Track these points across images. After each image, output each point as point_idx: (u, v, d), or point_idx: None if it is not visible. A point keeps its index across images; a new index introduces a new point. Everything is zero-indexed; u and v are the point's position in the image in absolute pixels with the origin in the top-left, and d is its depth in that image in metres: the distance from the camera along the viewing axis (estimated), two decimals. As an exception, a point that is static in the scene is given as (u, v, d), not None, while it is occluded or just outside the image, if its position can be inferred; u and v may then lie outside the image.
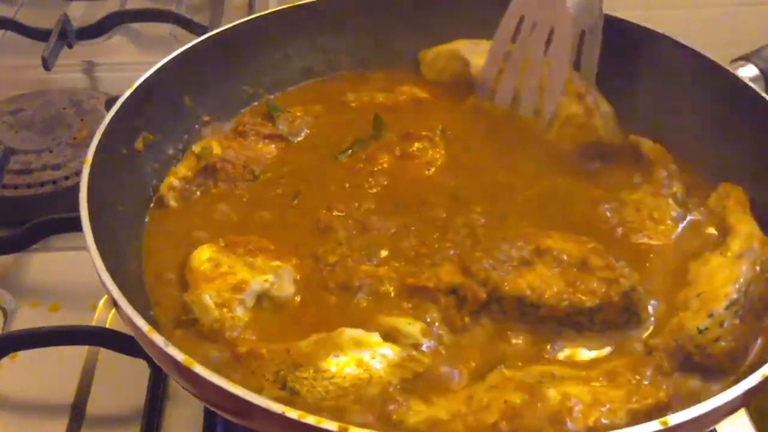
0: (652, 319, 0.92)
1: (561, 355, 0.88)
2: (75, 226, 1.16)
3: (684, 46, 1.15)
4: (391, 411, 0.80)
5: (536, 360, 0.87)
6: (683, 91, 1.15)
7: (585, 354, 0.89)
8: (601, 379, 0.83)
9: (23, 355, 1.04)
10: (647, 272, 0.96)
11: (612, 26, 1.17)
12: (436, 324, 0.90)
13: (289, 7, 1.27)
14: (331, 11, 1.29)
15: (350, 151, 1.16)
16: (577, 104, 1.15)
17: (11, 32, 1.64)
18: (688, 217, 1.04)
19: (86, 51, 1.64)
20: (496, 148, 1.16)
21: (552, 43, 1.12)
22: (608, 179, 1.10)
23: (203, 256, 0.94)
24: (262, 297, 0.92)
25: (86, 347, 1.06)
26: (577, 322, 0.89)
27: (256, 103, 1.26)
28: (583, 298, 0.88)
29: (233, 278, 0.92)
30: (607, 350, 0.89)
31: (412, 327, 0.88)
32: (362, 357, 0.83)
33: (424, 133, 1.15)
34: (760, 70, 1.14)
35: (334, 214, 1.03)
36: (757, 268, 0.92)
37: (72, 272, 1.17)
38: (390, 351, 0.84)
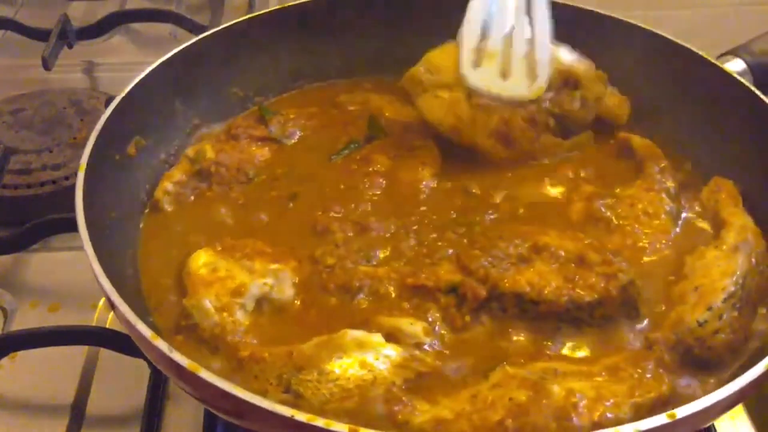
0: (650, 313, 0.92)
1: (562, 351, 0.89)
2: (75, 226, 1.16)
3: (674, 42, 1.16)
4: (396, 411, 0.80)
5: (538, 357, 0.87)
6: (676, 87, 1.16)
7: (586, 349, 0.89)
8: (603, 374, 0.83)
9: (23, 355, 1.04)
10: (644, 267, 0.97)
11: (601, 23, 1.19)
12: (438, 323, 0.90)
13: (277, 9, 1.27)
14: (320, 14, 1.29)
15: (345, 152, 1.16)
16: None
17: (11, 32, 1.64)
18: (683, 213, 1.05)
19: (86, 51, 1.64)
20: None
21: (532, 8, 1.10)
22: (601, 175, 1.11)
23: (200, 260, 0.94)
24: (261, 300, 0.92)
25: (86, 347, 1.06)
26: (576, 318, 0.90)
27: (249, 106, 1.26)
28: (582, 293, 0.89)
29: (232, 282, 0.92)
30: (607, 345, 0.89)
31: (414, 327, 0.88)
32: (365, 358, 0.83)
33: (417, 139, 1.15)
34: (747, 64, 1.14)
35: (330, 215, 1.04)
36: (753, 260, 0.93)
37: (72, 272, 1.17)
38: (393, 351, 0.85)
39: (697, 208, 1.06)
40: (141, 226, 1.05)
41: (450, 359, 0.88)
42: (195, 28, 1.59)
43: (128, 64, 1.60)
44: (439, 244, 1.00)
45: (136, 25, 1.72)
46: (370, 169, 1.12)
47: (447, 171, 1.12)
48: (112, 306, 0.81)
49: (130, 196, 1.06)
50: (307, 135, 1.20)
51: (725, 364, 0.88)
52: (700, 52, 1.14)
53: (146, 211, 1.07)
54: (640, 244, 1.00)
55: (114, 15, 1.64)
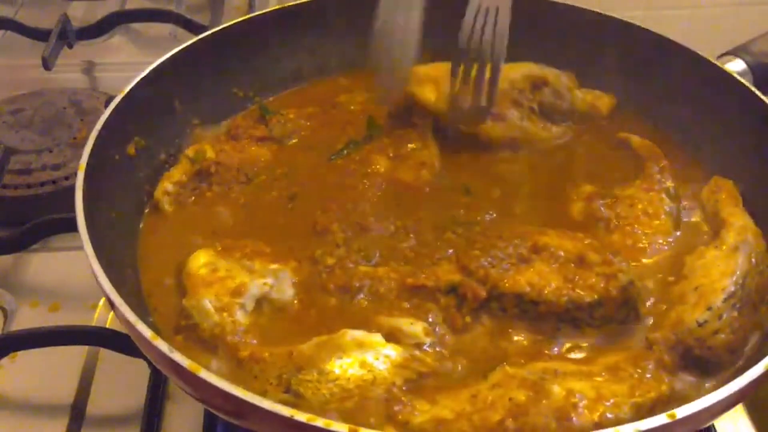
0: (651, 314, 0.92)
1: (562, 352, 0.89)
2: (75, 226, 1.16)
3: (674, 43, 1.16)
4: (396, 411, 0.80)
5: (538, 357, 0.88)
6: (676, 87, 1.16)
7: (586, 349, 0.89)
8: (603, 374, 0.83)
9: (23, 355, 1.04)
10: (644, 267, 0.97)
11: (607, 24, 1.19)
12: (438, 324, 0.90)
13: (277, 9, 1.27)
14: (320, 13, 1.29)
15: (344, 152, 1.16)
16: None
17: (11, 32, 1.64)
18: (683, 213, 1.05)
19: (86, 51, 1.64)
20: (488, 145, 1.16)
21: (497, 24, 1.09)
22: (600, 174, 1.11)
23: (200, 260, 0.94)
24: (261, 300, 0.92)
25: (86, 347, 1.06)
26: (576, 318, 0.90)
27: (249, 106, 1.26)
28: (582, 293, 0.89)
29: (232, 282, 0.91)
30: (607, 345, 0.89)
31: (414, 327, 0.88)
32: (365, 358, 0.83)
33: (415, 133, 1.15)
34: (747, 64, 1.15)
35: (330, 215, 1.03)
36: (753, 260, 0.93)
37: (72, 272, 1.17)
38: (393, 351, 0.85)
39: (696, 207, 1.06)
40: (141, 226, 1.05)
41: (450, 359, 0.88)
42: (195, 28, 1.58)
43: (128, 64, 1.60)
44: (439, 243, 1.00)
45: (136, 25, 1.72)
46: (369, 169, 1.12)
47: (446, 170, 1.13)
48: (112, 306, 0.82)
49: (130, 196, 1.06)
50: (306, 135, 1.20)
51: (725, 364, 0.88)
52: (700, 53, 1.14)
53: (146, 211, 1.07)
54: (640, 244, 1.00)
55: (114, 15, 1.64)
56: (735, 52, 1.16)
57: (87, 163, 0.96)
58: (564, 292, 0.89)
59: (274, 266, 0.95)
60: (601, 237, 1.00)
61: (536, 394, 0.79)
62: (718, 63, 1.13)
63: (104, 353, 1.06)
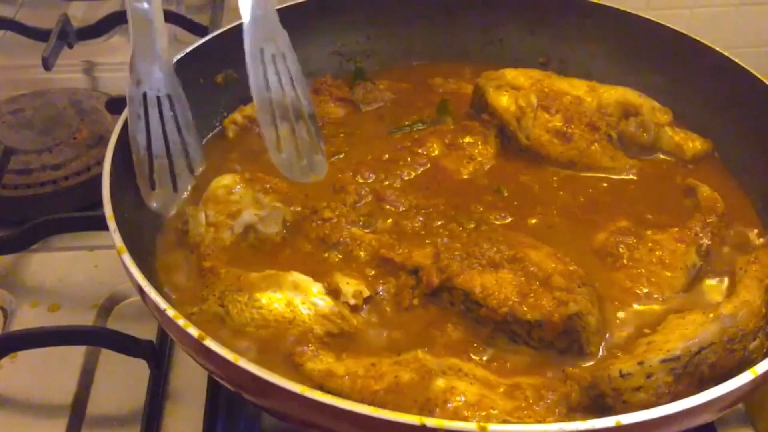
0: (600, 355, 0.90)
1: (484, 358, 0.89)
2: (75, 226, 1.17)
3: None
4: (297, 352, 0.86)
5: (458, 355, 0.88)
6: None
7: (509, 365, 0.89)
8: (502, 388, 0.83)
9: (23, 355, 1.04)
10: (627, 312, 0.94)
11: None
12: (386, 296, 0.94)
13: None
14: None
15: (406, 128, 1.20)
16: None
17: (11, 32, 1.64)
18: (709, 275, 1.00)
19: (86, 51, 1.64)
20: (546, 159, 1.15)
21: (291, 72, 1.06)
22: (645, 214, 1.08)
23: (223, 182, 1.05)
24: (249, 228, 1.01)
25: (86, 347, 1.06)
26: (514, 332, 0.89)
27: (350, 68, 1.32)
28: (525, 309, 0.88)
29: (235, 206, 1.02)
30: (532, 368, 0.88)
31: (348, 287, 0.93)
32: (293, 299, 0.90)
33: (480, 128, 1.17)
34: None
35: (355, 178, 1.09)
36: (726, 336, 0.85)
37: (72, 272, 1.18)
38: (321, 302, 0.91)
39: (726, 274, 1.00)
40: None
41: (378, 329, 0.92)
42: (195, 29, 1.58)
43: (128, 64, 1.60)
44: (441, 231, 1.02)
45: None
46: (420, 149, 1.15)
47: (493, 170, 1.14)
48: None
49: (205, 118, 1.15)
50: (385, 106, 1.26)
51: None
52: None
53: (211, 134, 1.20)
54: (638, 290, 0.96)
55: (114, 15, 1.64)
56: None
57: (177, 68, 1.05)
58: (509, 303, 0.89)
59: (278, 204, 1.02)
60: (601, 272, 0.98)
61: (420, 380, 0.81)
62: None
63: (104, 353, 1.06)
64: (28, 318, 1.11)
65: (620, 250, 1.00)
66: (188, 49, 1.16)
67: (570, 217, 1.07)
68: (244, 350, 0.88)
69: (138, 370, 1.01)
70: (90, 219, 1.15)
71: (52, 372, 1.04)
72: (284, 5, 1.25)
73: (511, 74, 1.19)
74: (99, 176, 0.95)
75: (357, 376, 0.83)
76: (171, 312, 0.79)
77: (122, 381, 1.03)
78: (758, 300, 0.91)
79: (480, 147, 1.15)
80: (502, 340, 0.90)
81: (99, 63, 1.63)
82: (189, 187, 1.08)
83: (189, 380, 1.03)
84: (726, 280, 1.00)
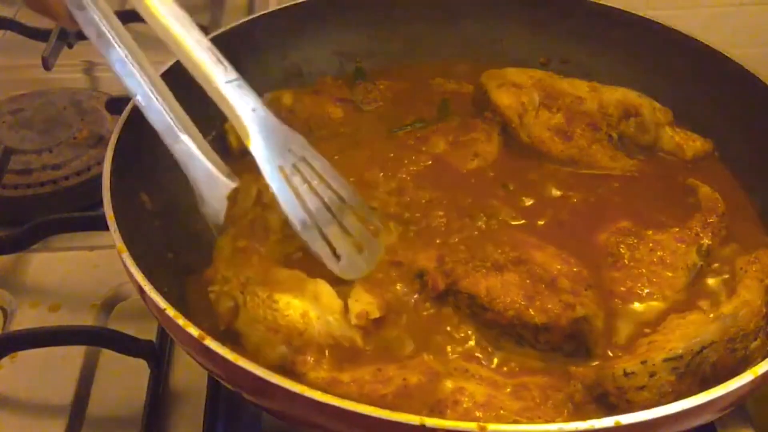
0: (604, 357, 0.89)
1: (495, 360, 0.89)
2: (74, 226, 1.17)
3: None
4: (298, 362, 0.84)
5: (466, 357, 0.88)
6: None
7: (516, 366, 0.88)
8: (508, 389, 0.83)
9: (23, 355, 1.04)
10: (627, 313, 0.94)
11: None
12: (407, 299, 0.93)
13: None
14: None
15: (408, 127, 1.19)
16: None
17: (11, 32, 1.64)
18: (710, 275, 1.00)
19: (86, 51, 1.64)
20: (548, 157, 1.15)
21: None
22: (647, 214, 1.07)
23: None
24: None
25: (86, 347, 1.06)
26: (520, 335, 0.89)
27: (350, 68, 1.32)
28: (533, 313, 0.88)
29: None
30: (538, 371, 0.88)
31: (356, 305, 0.89)
32: (309, 311, 0.87)
33: (483, 125, 1.17)
34: None
35: (375, 173, 1.08)
36: (727, 336, 0.85)
37: (72, 272, 1.17)
38: (336, 323, 0.87)
39: (727, 274, 0.99)
40: None
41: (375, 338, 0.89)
42: (195, 28, 1.58)
43: (128, 64, 1.60)
44: (454, 225, 1.02)
45: (136, 25, 1.70)
46: (424, 147, 1.14)
47: (496, 165, 1.14)
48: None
49: (205, 120, 1.07)
50: (385, 106, 1.25)
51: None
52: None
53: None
54: (638, 290, 0.96)
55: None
56: None
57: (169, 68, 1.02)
58: (515, 306, 0.88)
59: None
60: (602, 271, 0.97)
61: (428, 383, 0.81)
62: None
63: (104, 353, 1.06)
64: (28, 318, 1.11)
65: (621, 250, 1.00)
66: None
67: (577, 216, 1.07)
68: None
69: (138, 370, 1.01)
70: (90, 219, 1.15)
71: (52, 372, 1.04)
72: (284, 5, 1.26)
73: (513, 73, 1.20)
74: (99, 176, 0.94)
75: (364, 381, 0.82)
76: (171, 312, 0.79)
77: (122, 381, 1.02)
78: (759, 300, 0.91)
79: (484, 143, 1.16)
80: (508, 343, 0.90)
81: (99, 63, 1.63)
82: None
83: (189, 380, 1.02)
84: (726, 280, 0.99)
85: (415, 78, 1.32)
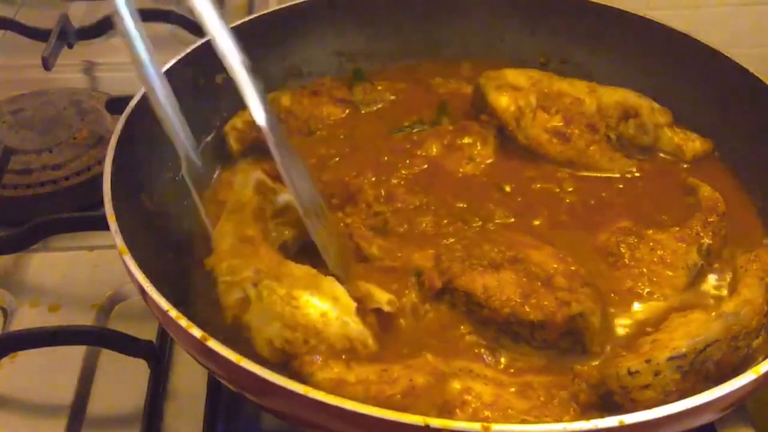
0: (604, 355, 0.89)
1: (502, 359, 0.89)
2: (75, 226, 1.17)
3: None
4: (305, 362, 0.83)
5: (469, 356, 0.88)
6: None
7: (517, 365, 0.88)
8: (513, 388, 0.83)
9: (23, 355, 1.04)
10: (628, 312, 0.94)
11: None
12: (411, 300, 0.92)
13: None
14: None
15: (406, 129, 1.19)
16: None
17: (11, 32, 1.64)
18: (711, 275, 1.00)
19: (86, 51, 1.64)
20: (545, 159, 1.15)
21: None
22: (647, 214, 1.07)
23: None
24: (286, 210, 0.95)
25: (86, 347, 1.06)
26: (516, 333, 0.89)
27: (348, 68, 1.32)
28: (528, 310, 0.88)
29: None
30: (538, 368, 0.88)
31: (383, 296, 0.89)
32: (330, 311, 0.85)
33: (478, 129, 1.16)
34: None
35: (361, 179, 1.07)
36: (730, 334, 0.85)
37: (72, 272, 1.17)
38: (353, 324, 0.86)
39: (722, 271, 1.00)
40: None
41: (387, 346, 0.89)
42: (195, 29, 1.58)
43: (128, 64, 1.58)
44: (448, 229, 1.02)
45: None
46: (419, 151, 1.14)
47: (491, 168, 1.14)
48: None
49: (200, 122, 1.10)
50: (384, 107, 1.26)
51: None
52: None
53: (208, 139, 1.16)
54: (639, 289, 0.96)
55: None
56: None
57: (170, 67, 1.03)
58: (511, 303, 0.88)
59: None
60: (603, 271, 0.98)
61: (436, 383, 0.81)
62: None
63: (104, 353, 1.06)
64: (28, 318, 1.11)
65: (621, 249, 1.00)
66: (188, 50, 1.15)
67: (576, 217, 1.07)
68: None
69: (138, 370, 1.01)
70: (90, 219, 1.14)
71: (52, 372, 1.04)
72: (284, 5, 1.26)
73: (511, 74, 1.19)
74: (99, 176, 0.94)
75: (370, 382, 0.82)
76: (173, 313, 0.79)
77: (122, 381, 1.02)
78: (760, 298, 0.91)
79: (479, 147, 1.15)
80: (506, 340, 0.90)
81: (99, 63, 1.63)
82: None
83: (189, 380, 1.02)
84: (727, 279, 1.00)
85: (415, 78, 1.32)
